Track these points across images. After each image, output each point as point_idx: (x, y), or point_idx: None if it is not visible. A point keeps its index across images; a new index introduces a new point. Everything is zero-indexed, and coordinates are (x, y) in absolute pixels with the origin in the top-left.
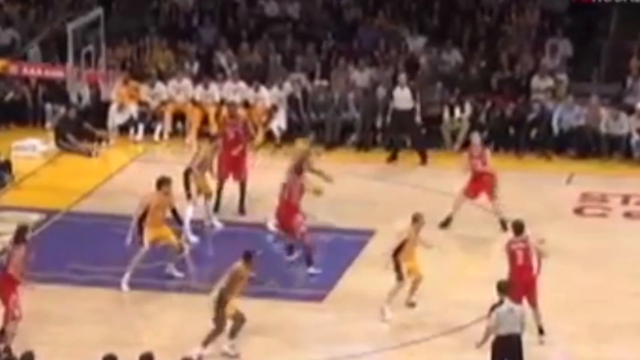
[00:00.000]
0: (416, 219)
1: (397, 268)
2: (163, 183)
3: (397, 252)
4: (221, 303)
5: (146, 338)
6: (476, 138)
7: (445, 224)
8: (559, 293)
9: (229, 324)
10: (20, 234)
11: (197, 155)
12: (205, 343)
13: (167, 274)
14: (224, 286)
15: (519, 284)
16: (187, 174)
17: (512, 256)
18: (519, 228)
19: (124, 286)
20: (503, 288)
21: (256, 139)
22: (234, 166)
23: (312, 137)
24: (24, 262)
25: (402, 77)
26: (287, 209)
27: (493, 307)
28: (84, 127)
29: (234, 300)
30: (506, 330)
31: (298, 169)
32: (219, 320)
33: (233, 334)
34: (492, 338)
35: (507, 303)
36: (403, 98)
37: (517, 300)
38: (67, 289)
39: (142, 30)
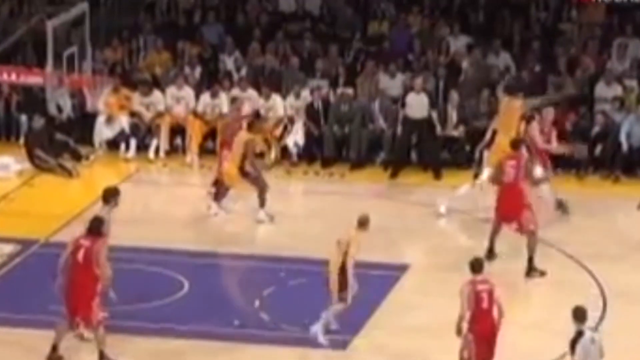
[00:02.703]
0: (363, 223)
1: (344, 286)
2: (114, 194)
3: (342, 267)
4: None
5: None
6: (551, 113)
7: None
8: (624, 341)
9: None
10: (95, 226)
11: None
12: None
13: None
14: None
15: (482, 332)
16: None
17: (476, 298)
18: (479, 266)
19: None
20: (580, 316)
21: (269, 157)
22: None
23: None
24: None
25: (418, 81)
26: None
27: (574, 341)
28: (55, 138)
29: None
30: None
31: None
32: None
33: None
34: None
35: (588, 333)
36: (418, 105)
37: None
38: (46, 334)
39: (135, 28)
